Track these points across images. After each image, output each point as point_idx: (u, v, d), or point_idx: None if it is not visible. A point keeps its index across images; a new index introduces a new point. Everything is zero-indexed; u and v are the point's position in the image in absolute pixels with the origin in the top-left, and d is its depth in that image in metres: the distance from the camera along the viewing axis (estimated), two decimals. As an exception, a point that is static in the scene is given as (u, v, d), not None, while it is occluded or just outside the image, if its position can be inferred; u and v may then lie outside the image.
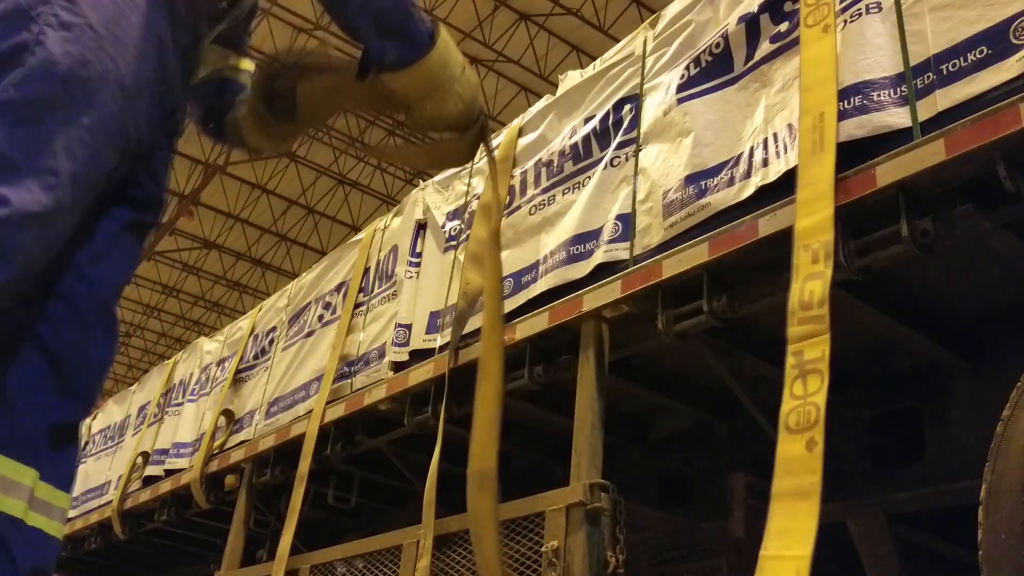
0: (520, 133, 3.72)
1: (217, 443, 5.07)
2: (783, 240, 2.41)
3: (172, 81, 1.53)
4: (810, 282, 2.12)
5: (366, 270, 4.39)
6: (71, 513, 6.81)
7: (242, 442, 4.87)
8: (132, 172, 1.49)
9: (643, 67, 3.20)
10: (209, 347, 6.00)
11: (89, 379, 1.46)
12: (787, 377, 2.04)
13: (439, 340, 3.61)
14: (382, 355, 3.96)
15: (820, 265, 2.13)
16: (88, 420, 7.90)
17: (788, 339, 2.10)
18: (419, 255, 4.00)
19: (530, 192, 3.45)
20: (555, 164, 3.39)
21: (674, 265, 2.66)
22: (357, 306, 4.35)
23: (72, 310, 1.41)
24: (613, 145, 3.14)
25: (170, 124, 1.58)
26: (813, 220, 2.20)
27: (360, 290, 4.39)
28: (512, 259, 3.36)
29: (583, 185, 3.21)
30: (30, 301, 1.34)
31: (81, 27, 1.32)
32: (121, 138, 1.38)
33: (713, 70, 2.81)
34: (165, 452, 5.72)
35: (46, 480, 1.38)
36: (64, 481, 1.41)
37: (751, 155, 2.58)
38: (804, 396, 1.97)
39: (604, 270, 2.95)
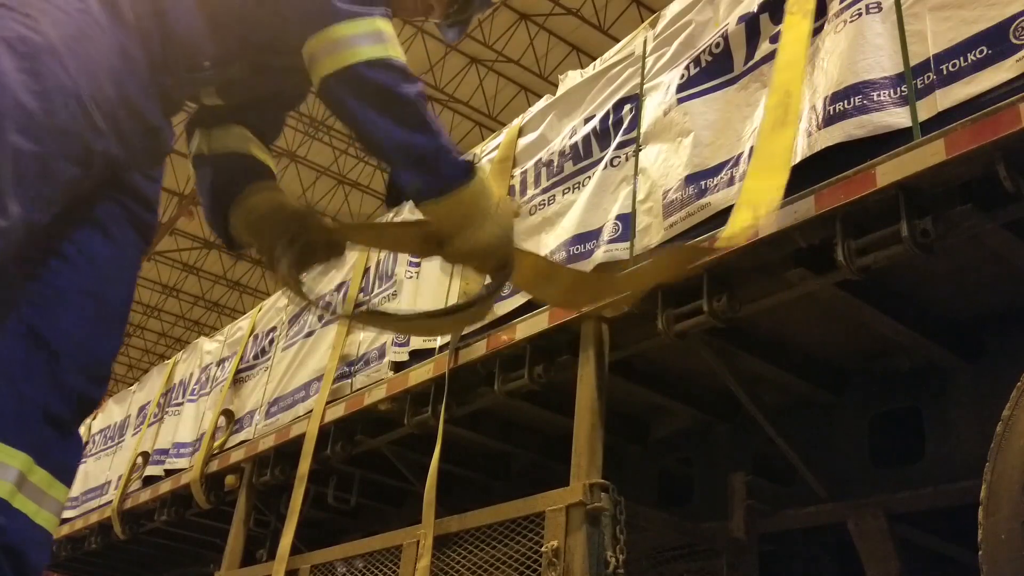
0: (520, 133, 3.72)
1: (217, 443, 5.07)
2: (783, 240, 2.42)
3: (148, 103, 1.56)
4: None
5: (366, 270, 4.39)
6: (71, 513, 6.81)
7: (242, 442, 4.87)
8: (115, 179, 1.51)
9: (643, 67, 3.20)
10: (209, 347, 6.00)
11: (87, 371, 1.45)
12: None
13: (439, 340, 3.61)
14: (382, 355, 3.96)
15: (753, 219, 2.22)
16: (88, 420, 7.90)
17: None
18: (419, 255, 4.01)
19: (530, 192, 3.45)
20: (555, 164, 3.39)
21: (674, 265, 2.66)
22: (358, 306, 4.35)
23: (62, 298, 1.42)
24: (613, 145, 3.14)
25: (154, 143, 1.61)
26: (764, 183, 2.24)
27: (360, 290, 4.39)
28: (512, 259, 3.35)
29: (583, 185, 3.21)
30: (9, 288, 1.36)
31: (36, 42, 1.34)
32: (80, 149, 1.39)
33: (713, 70, 2.81)
34: (165, 452, 5.72)
35: (44, 467, 1.37)
36: (62, 472, 1.41)
37: (751, 155, 2.58)
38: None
39: (604, 270, 2.95)
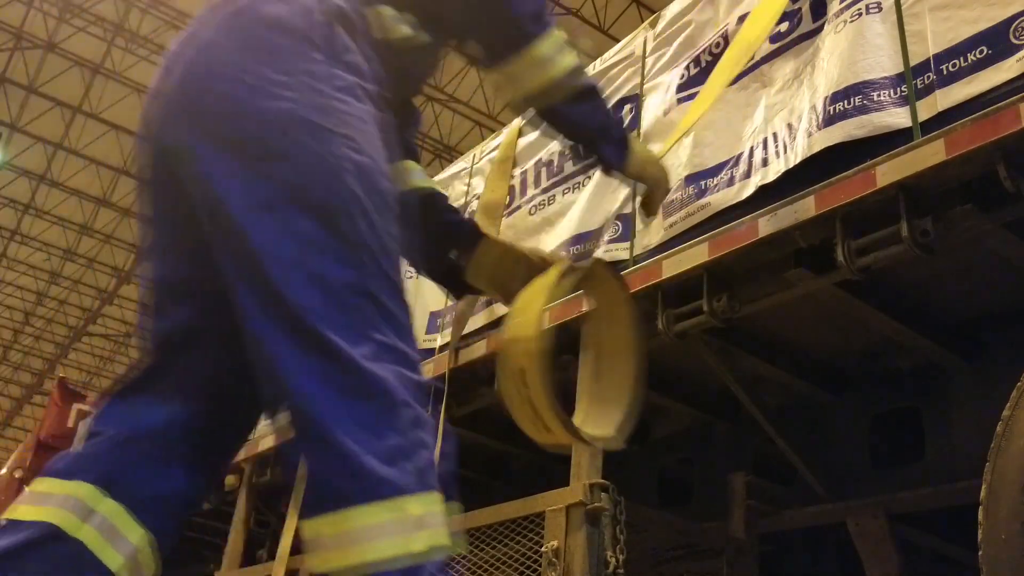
0: (520, 133, 3.72)
1: (217, 443, 5.06)
2: (783, 240, 2.42)
3: None
4: None
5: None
6: (71, 513, 6.81)
7: (242, 442, 4.86)
8: None
9: (643, 67, 3.20)
10: (209, 347, 5.99)
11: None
12: None
13: (439, 340, 3.61)
14: (382, 355, 3.95)
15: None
16: (88, 420, 7.89)
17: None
18: (419, 255, 4.00)
19: (530, 192, 3.45)
20: (555, 164, 3.39)
21: (674, 265, 2.66)
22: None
23: None
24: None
25: None
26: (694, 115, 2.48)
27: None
28: (512, 259, 3.35)
29: (583, 185, 3.20)
30: None
31: (368, 165, 1.40)
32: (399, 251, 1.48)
33: (713, 70, 2.81)
34: (165, 452, 5.72)
35: (153, 549, 1.41)
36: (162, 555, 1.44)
37: (751, 155, 2.58)
38: None
39: (604, 270, 2.94)
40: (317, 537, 1.22)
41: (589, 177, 3.19)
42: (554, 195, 3.33)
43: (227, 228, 1.32)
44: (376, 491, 1.19)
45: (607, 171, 1.97)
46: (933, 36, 2.21)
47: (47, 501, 1.36)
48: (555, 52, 1.68)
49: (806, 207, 2.31)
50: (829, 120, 2.33)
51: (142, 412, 1.45)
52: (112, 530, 1.33)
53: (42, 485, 1.40)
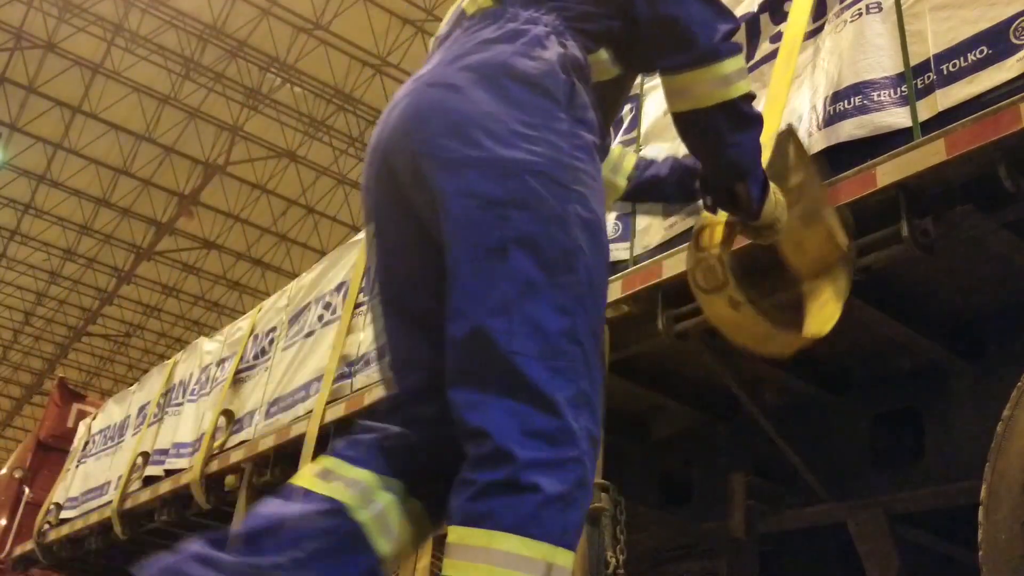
0: (520, 133, 3.72)
1: (217, 443, 5.07)
2: (783, 240, 2.41)
3: None
4: None
5: (366, 270, 4.39)
6: (71, 513, 6.82)
7: (242, 442, 4.87)
8: None
9: (643, 67, 3.19)
10: (209, 347, 6.00)
11: None
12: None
13: (439, 340, 3.61)
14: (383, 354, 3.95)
15: None
16: (88, 420, 7.90)
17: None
18: (419, 255, 3.99)
19: (530, 192, 3.45)
20: (555, 164, 3.38)
21: (674, 265, 2.66)
22: (357, 306, 4.35)
23: None
24: (613, 145, 3.13)
25: None
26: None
27: (360, 290, 4.39)
28: (512, 259, 3.35)
29: (583, 185, 3.20)
30: None
31: (594, 222, 1.49)
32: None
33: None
34: (165, 452, 5.72)
35: (415, 546, 1.57)
36: None
37: (751, 155, 2.57)
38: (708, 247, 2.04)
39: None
40: (462, 545, 1.31)
41: (589, 177, 3.19)
42: (554, 195, 3.32)
43: (453, 267, 1.42)
44: (528, 528, 1.28)
45: (741, 212, 1.90)
46: (933, 36, 2.21)
47: (333, 478, 1.49)
48: (737, 74, 1.69)
49: (806, 207, 2.31)
50: (829, 120, 2.33)
51: (395, 431, 1.60)
52: (385, 520, 1.45)
53: (328, 463, 1.54)
